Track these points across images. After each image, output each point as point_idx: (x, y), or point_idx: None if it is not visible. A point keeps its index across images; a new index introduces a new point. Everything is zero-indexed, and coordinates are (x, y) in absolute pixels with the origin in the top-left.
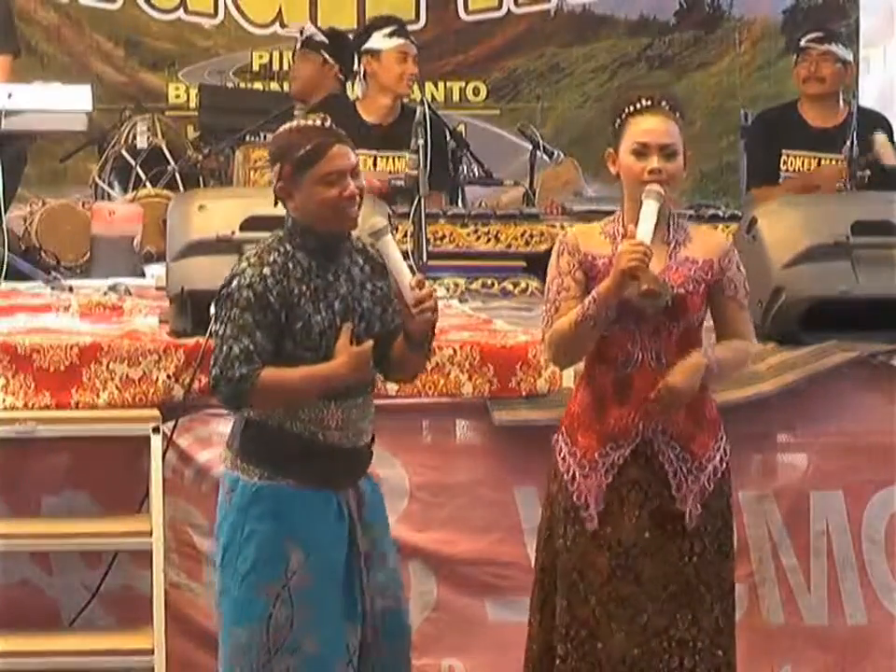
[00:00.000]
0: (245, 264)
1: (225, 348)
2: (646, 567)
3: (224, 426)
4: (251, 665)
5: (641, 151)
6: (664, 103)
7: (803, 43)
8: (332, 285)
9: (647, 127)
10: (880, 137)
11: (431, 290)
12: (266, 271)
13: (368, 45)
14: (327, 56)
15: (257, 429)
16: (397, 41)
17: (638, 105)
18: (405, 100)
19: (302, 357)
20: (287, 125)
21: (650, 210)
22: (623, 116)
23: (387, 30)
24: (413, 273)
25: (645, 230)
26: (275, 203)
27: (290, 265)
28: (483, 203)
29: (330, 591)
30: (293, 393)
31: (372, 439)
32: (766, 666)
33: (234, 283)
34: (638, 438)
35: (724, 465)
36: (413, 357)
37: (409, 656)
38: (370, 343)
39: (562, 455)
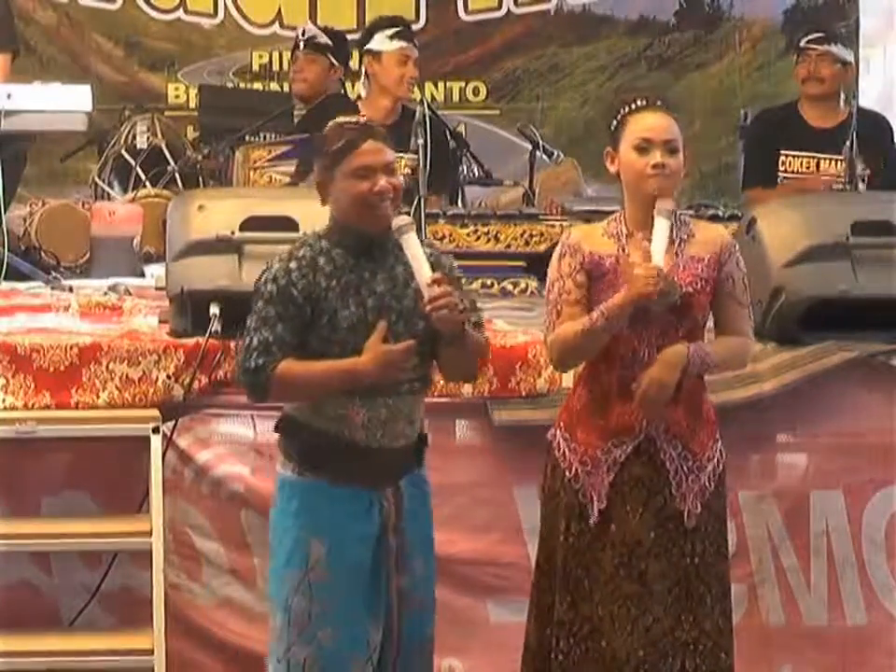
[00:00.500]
0: (276, 259)
1: (247, 339)
2: (650, 566)
3: (224, 426)
4: (278, 653)
5: (644, 147)
6: (659, 102)
7: (802, 44)
8: (367, 282)
9: (649, 123)
10: None
11: (446, 290)
12: (292, 265)
13: (370, 45)
14: (332, 59)
15: (290, 424)
16: (398, 44)
17: (635, 105)
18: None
19: (329, 353)
20: (331, 123)
21: (662, 228)
22: (622, 115)
23: (390, 32)
24: (434, 270)
25: (658, 249)
26: (322, 203)
27: (321, 260)
28: (482, 203)
29: (350, 587)
30: (313, 386)
31: (419, 440)
32: (766, 667)
33: (263, 277)
34: (641, 435)
35: (721, 466)
36: (453, 354)
37: (429, 664)
38: (406, 344)
39: (561, 451)
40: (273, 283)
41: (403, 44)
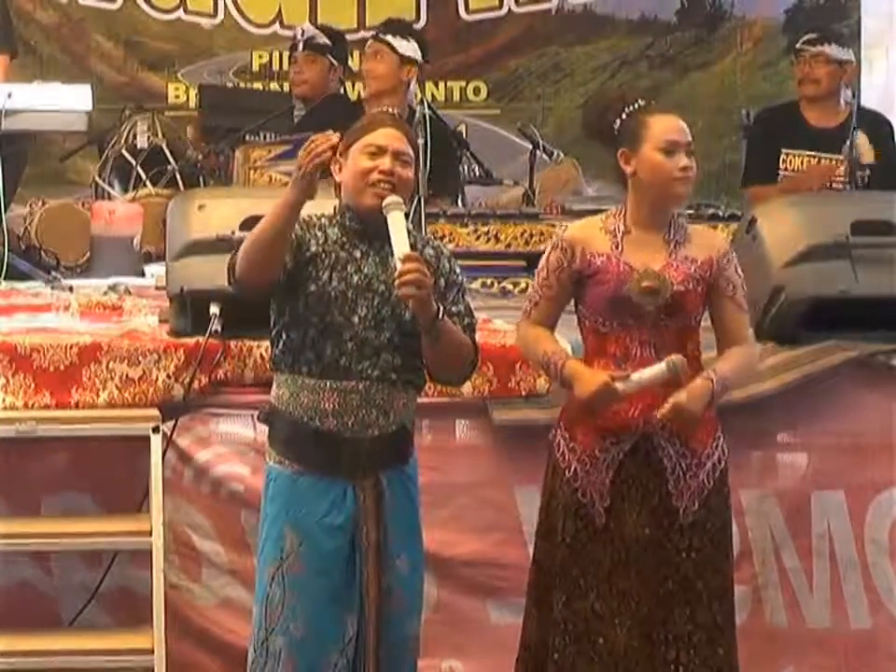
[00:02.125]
0: None
1: None
2: (647, 562)
3: (224, 425)
4: (255, 642)
5: (670, 150)
6: (654, 103)
7: (798, 45)
8: (357, 261)
9: (673, 125)
10: (862, 136)
11: (416, 266)
12: (304, 214)
13: None
14: (332, 60)
15: (271, 414)
16: (368, 42)
17: (643, 104)
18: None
19: (310, 322)
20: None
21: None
22: (634, 114)
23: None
24: (433, 268)
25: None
26: (334, 182)
27: (318, 232)
28: (482, 203)
29: (321, 579)
30: (259, 229)
31: (398, 433)
32: (769, 668)
33: None
34: (638, 433)
35: (723, 464)
36: (430, 346)
37: (410, 664)
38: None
39: (561, 451)
40: None
41: (370, 41)
